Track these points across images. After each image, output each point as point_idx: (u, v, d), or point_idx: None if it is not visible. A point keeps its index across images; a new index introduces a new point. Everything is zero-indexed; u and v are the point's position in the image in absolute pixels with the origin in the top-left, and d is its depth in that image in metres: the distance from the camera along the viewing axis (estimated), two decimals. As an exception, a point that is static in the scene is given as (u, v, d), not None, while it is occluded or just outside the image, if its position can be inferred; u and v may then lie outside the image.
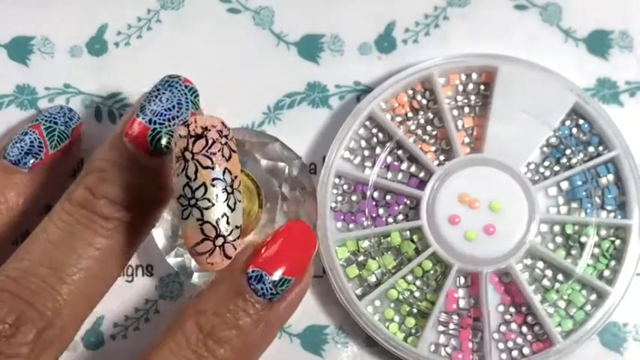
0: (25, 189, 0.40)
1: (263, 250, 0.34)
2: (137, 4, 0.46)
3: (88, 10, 0.46)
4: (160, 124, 0.35)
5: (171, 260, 0.41)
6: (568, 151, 0.43)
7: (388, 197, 0.43)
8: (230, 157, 0.31)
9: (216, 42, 0.46)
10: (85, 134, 0.43)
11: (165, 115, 0.36)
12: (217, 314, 0.34)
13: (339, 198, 0.43)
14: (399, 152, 0.44)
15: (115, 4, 0.46)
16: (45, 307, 0.34)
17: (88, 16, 0.46)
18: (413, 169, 0.43)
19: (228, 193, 0.31)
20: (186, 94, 0.37)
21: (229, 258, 0.32)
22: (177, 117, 0.36)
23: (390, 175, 0.43)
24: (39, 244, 0.35)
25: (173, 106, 0.36)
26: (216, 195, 0.31)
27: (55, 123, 0.41)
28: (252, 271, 0.34)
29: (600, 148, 0.43)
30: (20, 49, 0.46)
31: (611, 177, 0.43)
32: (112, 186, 0.35)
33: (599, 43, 0.45)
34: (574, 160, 0.43)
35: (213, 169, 0.31)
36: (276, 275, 0.34)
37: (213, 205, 0.31)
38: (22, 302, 0.33)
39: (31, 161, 0.40)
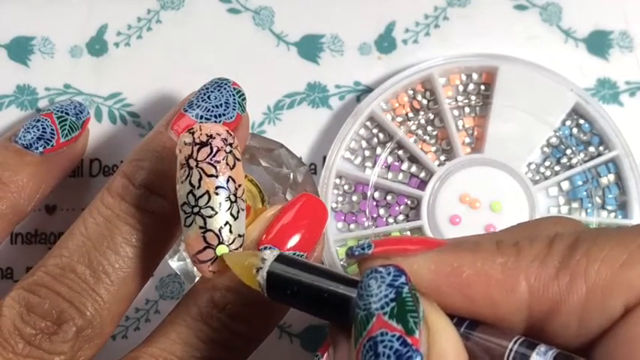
0: (35, 173, 0.40)
1: (274, 225, 0.34)
2: (137, 4, 0.46)
3: (88, 10, 0.46)
4: (206, 119, 0.37)
5: (174, 264, 0.41)
6: (568, 151, 0.43)
7: (389, 197, 0.43)
8: (234, 165, 0.31)
9: (216, 42, 0.45)
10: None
11: (213, 111, 0.37)
12: (230, 290, 0.34)
13: (340, 198, 0.43)
14: (400, 152, 0.44)
15: (115, 4, 0.46)
16: (84, 307, 0.34)
17: (88, 16, 0.46)
18: (413, 169, 0.43)
19: (231, 202, 0.31)
20: (233, 95, 0.38)
21: None
22: (224, 115, 0.37)
23: (390, 175, 0.43)
24: (78, 239, 0.35)
25: (220, 104, 0.37)
26: (220, 203, 0.31)
27: (67, 114, 0.41)
28: (264, 248, 0.34)
29: (601, 148, 0.43)
30: (20, 50, 0.46)
31: (611, 177, 0.43)
32: (150, 174, 0.35)
33: (599, 43, 0.45)
34: (574, 160, 0.43)
35: (217, 177, 0.31)
36: (287, 251, 0.34)
37: (217, 213, 0.31)
38: (62, 300, 0.34)
39: (43, 146, 0.40)
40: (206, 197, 0.31)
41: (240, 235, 0.32)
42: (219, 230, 0.31)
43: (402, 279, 0.25)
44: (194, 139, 0.31)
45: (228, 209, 0.31)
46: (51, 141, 0.40)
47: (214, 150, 0.31)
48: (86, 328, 0.34)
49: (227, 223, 0.31)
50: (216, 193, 0.31)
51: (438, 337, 0.25)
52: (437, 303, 0.26)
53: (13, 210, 0.39)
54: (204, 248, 0.31)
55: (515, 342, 0.25)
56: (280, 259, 0.29)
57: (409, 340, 0.24)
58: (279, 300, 0.29)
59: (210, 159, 0.31)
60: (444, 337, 0.25)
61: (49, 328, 0.33)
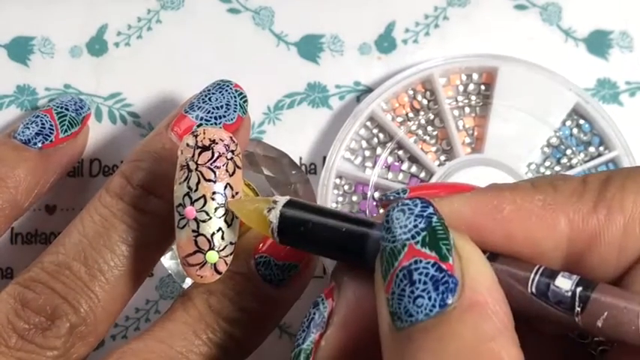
0: (33, 169, 0.40)
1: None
2: (137, 4, 0.46)
3: (88, 10, 0.46)
4: (206, 121, 0.37)
5: (167, 262, 0.41)
6: (569, 152, 0.43)
7: (389, 197, 0.43)
8: (234, 172, 0.31)
9: (216, 42, 0.45)
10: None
11: (213, 113, 0.37)
12: (226, 296, 0.34)
13: (340, 198, 0.43)
14: (400, 152, 0.44)
15: (115, 4, 0.46)
16: (78, 304, 0.34)
17: (88, 16, 0.46)
18: (414, 169, 0.43)
19: (226, 209, 0.31)
20: (235, 97, 0.38)
21: (219, 273, 0.32)
22: (224, 117, 0.37)
23: (390, 175, 0.43)
24: (74, 237, 0.35)
25: (221, 106, 0.37)
26: (215, 209, 0.31)
27: (67, 109, 0.41)
28: (260, 257, 0.34)
29: (601, 149, 0.43)
30: (20, 50, 0.46)
31: (611, 177, 0.43)
32: (148, 174, 0.36)
33: (599, 43, 0.45)
34: (575, 161, 0.43)
35: (215, 182, 0.31)
36: (283, 260, 0.34)
37: (210, 218, 0.31)
38: (56, 296, 0.34)
39: (41, 142, 0.40)
40: (202, 201, 0.31)
41: (231, 243, 0.32)
42: (212, 236, 0.31)
43: (430, 209, 0.26)
44: (197, 142, 0.31)
45: (223, 215, 0.31)
46: (50, 136, 0.40)
47: (215, 155, 0.31)
48: (79, 324, 0.34)
49: (220, 229, 0.31)
50: (213, 199, 0.31)
51: (471, 263, 0.25)
52: (475, 241, 0.26)
53: (10, 205, 0.39)
54: (195, 252, 0.31)
55: (537, 271, 0.26)
56: (291, 203, 0.29)
57: (444, 266, 0.25)
58: (288, 242, 0.29)
59: (211, 164, 0.31)
60: (476, 263, 0.25)
61: (43, 323, 0.33)
